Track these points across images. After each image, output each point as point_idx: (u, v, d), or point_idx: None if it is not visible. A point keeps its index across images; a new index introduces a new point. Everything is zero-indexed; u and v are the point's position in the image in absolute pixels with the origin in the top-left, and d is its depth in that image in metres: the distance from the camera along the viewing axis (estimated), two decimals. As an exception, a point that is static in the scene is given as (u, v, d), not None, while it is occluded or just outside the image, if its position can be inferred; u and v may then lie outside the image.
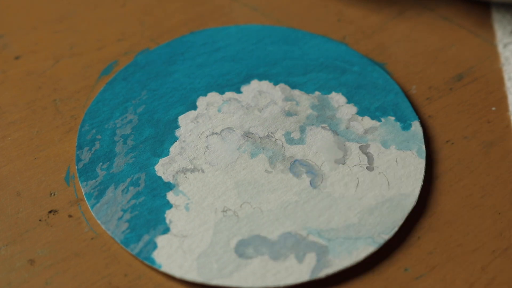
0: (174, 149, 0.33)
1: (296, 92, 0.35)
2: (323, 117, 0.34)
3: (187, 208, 0.31)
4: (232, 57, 0.37)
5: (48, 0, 0.41)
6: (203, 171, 0.32)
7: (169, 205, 0.31)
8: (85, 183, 0.32)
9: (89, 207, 0.31)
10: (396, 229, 0.30)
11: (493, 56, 0.38)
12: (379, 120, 0.34)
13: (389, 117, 0.34)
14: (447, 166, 0.33)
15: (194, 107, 0.35)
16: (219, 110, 0.35)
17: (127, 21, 0.40)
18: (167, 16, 0.40)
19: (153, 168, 0.32)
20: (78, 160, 0.32)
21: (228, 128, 0.34)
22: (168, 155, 0.33)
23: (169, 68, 0.37)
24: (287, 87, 0.36)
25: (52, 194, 0.32)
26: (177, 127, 0.34)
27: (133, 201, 0.31)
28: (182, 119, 0.34)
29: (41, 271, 0.29)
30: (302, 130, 0.34)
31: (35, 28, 0.39)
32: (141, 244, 0.30)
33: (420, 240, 0.30)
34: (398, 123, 0.34)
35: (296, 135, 0.33)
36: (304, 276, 0.29)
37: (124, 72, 0.36)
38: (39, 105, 0.35)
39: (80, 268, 0.29)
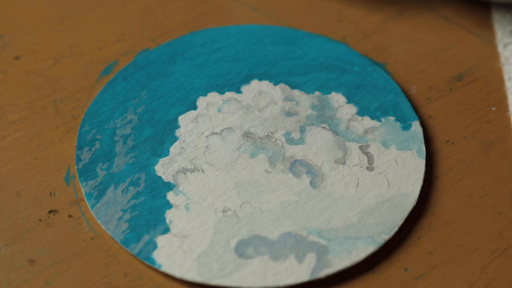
0: (174, 149, 0.33)
1: (296, 92, 0.35)
2: (323, 117, 0.34)
3: (187, 208, 0.31)
4: (232, 57, 0.37)
5: (48, 0, 0.41)
6: (203, 171, 0.32)
7: (169, 205, 0.31)
8: (85, 183, 0.32)
9: (89, 207, 0.31)
10: (396, 229, 0.30)
11: (493, 56, 0.38)
12: (379, 120, 0.34)
13: (389, 117, 0.34)
14: (447, 166, 0.33)
15: (194, 107, 0.35)
16: (219, 110, 0.35)
17: (127, 21, 0.40)
18: (167, 16, 0.40)
19: (153, 168, 0.32)
20: (78, 160, 0.32)
21: (228, 128, 0.34)
22: (168, 155, 0.33)
23: (169, 68, 0.37)
24: (287, 87, 0.36)
25: (52, 194, 0.32)
26: (177, 127, 0.34)
27: (133, 201, 0.31)
28: (182, 119, 0.34)
29: (41, 271, 0.29)
30: (302, 130, 0.34)
31: (35, 28, 0.39)
32: (141, 244, 0.30)
33: (420, 240, 0.30)
34: (398, 123, 0.34)
35: (296, 135, 0.33)
36: (304, 276, 0.29)
37: (124, 72, 0.36)
38: (39, 105, 0.35)
39: (80, 268, 0.29)
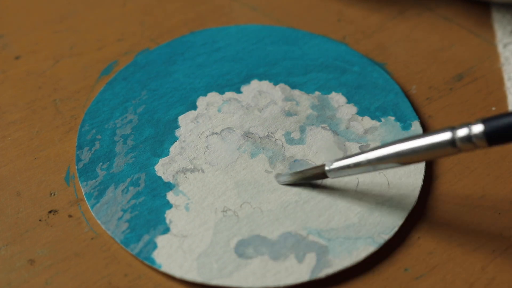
0: (174, 149, 0.33)
1: (296, 92, 0.35)
2: (323, 117, 0.34)
3: (187, 208, 0.31)
4: (232, 57, 0.37)
5: (48, 0, 0.41)
6: (203, 171, 0.32)
7: (169, 205, 0.31)
8: (85, 183, 0.32)
9: (89, 207, 0.31)
10: (396, 229, 0.30)
11: (493, 56, 0.38)
12: (379, 120, 0.34)
13: (389, 117, 0.34)
14: (447, 166, 0.33)
15: (194, 107, 0.35)
16: (219, 110, 0.35)
17: (127, 21, 0.40)
18: (167, 16, 0.40)
19: (153, 168, 0.32)
20: (78, 160, 0.32)
21: (228, 128, 0.34)
22: (168, 155, 0.33)
23: (169, 68, 0.37)
24: (287, 87, 0.36)
25: (52, 194, 0.32)
26: (177, 127, 0.34)
27: (133, 201, 0.31)
28: (182, 119, 0.34)
29: (41, 271, 0.29)
30: (302, 130, 0.34)
31: (35, 28, 0.39)
32: (141, 244, 0.30)
33: (420, 240, 0.30)
34: (398, 123, 0.34)
35: (296, 135, 0.33)
36: (304, 276, 0.29)
37: (124, 72, 0.36)
38: (39, 105, 0.35)
39: (80, 268, 0.29)
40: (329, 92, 0.35)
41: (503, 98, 0.36)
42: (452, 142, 0.26)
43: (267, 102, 0.35)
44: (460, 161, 0.33)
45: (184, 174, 0.32)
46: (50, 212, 0.31)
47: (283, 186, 0.31)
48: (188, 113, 0.34)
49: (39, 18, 0.40)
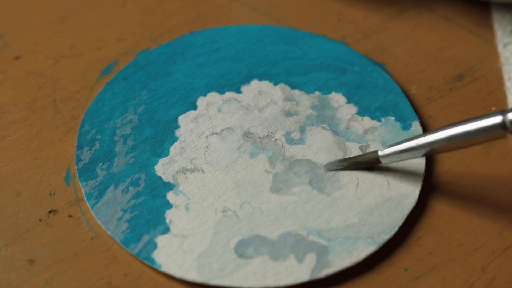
0: (174, 149, 0.33)
1: (296, 92, 0.35)
2: (323, 117, 0.34)
3: (187, 208, 0.31)
4: (232, 57, 0.37)
5: (48, 0, 0.41)
6: (203, 171, 0.32)
7: (169, 205, 0.31)
8: (85, 183, 0.32)
9: (89, 207, 0.31)
10: (396, 229, 0.30)
11: (493, 56, 0.38)
12: (379, 120, 0.34)
13: (389, 117, 0.34)
14: (447, 166, 0.33)
15: (194, 107, 0.35)
16: (219, 110, 0.35)
17: (127, 21, 0.40)
18: (167, 16, 0.40)
19: (153, 168, 0.32)
20: (78, 160, 0.32)
21: (228, 128, 0.34)
22: (168, 155, 0.33)
23: (169, 68, 0.37)
24: (287, 87, 0.36)
25: (52, 194, 0.32)
26: (177, 127, 0.34)
27: (133, 201, 0.31)
28: (182, 119, 0.34)
29: (41, 271, 0.29)
30: (302, 130, 0.34)
31: (35, 28, 0.39)
32: (141, 244, 0.30)
33: (420, 240, 0.30)
34: (398, 123, 0.34)
35: (296, 135, 0.33)
36: (304, 276, 0.29)
37: (124, 72, 0.36)
38: (39, 105, 0.35)
39: (80, 268, 0.29)
40: (329, 92, 0.35)
41: (503, 98, 0.36)
42: (503, 125, 0.27)
43: (267, 102, 0.35)
44: (460, 161, 0.33)
45: (184, 174, 0.32)
46: (50, 212, 0.31)
47: (283, 186, 0.31)
48: (188, 113, 0.34)
49: (39, 18, 0.40)
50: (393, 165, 0.32)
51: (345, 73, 0.36)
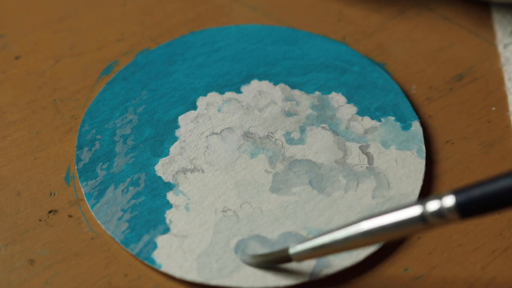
0: (174, 149, 0.33)
1: (296, 92, 0.35)
2: (323, 117, 0.34)
3: (187, 208, 0.31)
4: (232, 57, 0.37)
5: (48, 0, 0.41)
6: (203, 171, 0.32)
7: (169, 205, 0.31)
8: (85, 183, 0.32)
9: (89, 207, 0.31)
10: (396, 229, 0.30)
11: (493, 56, 0.38)
12: (379, 120, 0.34)
13: (389, 117, 0.34)
14: (447, 166, 0.33)
15: (194, 107, 0.35)
16: (219, 110, 0.35)
17: (127, 21, 0.40)
18: (167, 16, 0.40)
19: (153, 168, 0.32)
20: (78, 160, 0.32)
21: (228, 128, 0.34)
22: (168, 155, 0.33)
23: (169, 68, 0.37)
24: (287, 87, 0.36)
25: (52, 194, 0.32)
26: (177, 127, 0.34)
27: (133, 201, 0.31)
28: (182, 119, 0.34)
29: (41, 271, 0.29)
30: (302, 130, 0.34)
31: (35, 28, 0.39)
32: (141, 244, 0.30)
33: (420, 240, 0.30)
34: (398, 123, 0.34)
35: (296, 135, 0.33)
36: (304, 276, 0.29)
37: (124, 72, 0.36)
38: (39, 105, 0.35)
39: (80, 268, 0.29)
40: (329, 92, 0.35)
41: (503, 98, 0.36)
42: (422, 218, 0.23)
43: (267, 102, 0.35)
44: (460, 161, 0.33)
45: (184, 174, 0.32)
46: (50, 212, 0.31)
47: (283, 186, 0.31)
48: (188, 113, 0.34)
49: (39, 18, 0.40)
50: (393, 165, 0.32)
51: (345, 73, 0.36)
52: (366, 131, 0.34)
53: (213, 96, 0.35)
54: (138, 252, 0.29)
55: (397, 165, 0.32)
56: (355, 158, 0.33)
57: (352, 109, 0.35)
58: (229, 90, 0.35)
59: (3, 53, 0.38)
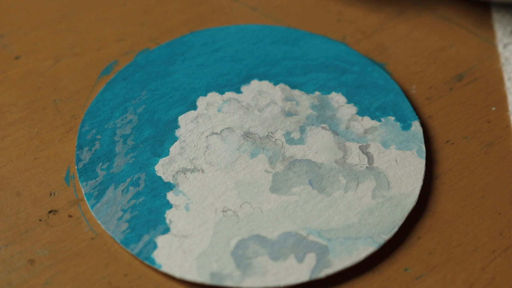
0: (174, 149, 0.33)
1: (296, 92, 0.35)
2: (323, 117, 0.34)
3: (187, 208, 0.31)
4: (232, 57, 0.37)
5: (48, 0, 0.41)
6: (203, 171, 0.32)
7: (169, 205, 0.31)
8: (85, 183, 0.32)
9: (89, 207, 0.31)
10: (396, 229, 0.30)
11: (493, 56, 0.38)
12: (379, 120, 0.34)
13: (389, 117, 0.34)
14: (447, 166, 0.33)
15: (194, 107, 0.35)
16: (219, 110, 0.35)
17: (127, 21, 0.40)
18: (167, 16, 0.40)
19: (153, 168, 0.32)
20: (78, 160, 0.32)
21: (228, 128, 0.34)
22: (168, 155, 0.33)
23: (169, 68, 0.37)
24: (287, 87, 0.36)
25: (52, 194, 0.32)
26: (177, 127, 0.34)
27: (133, 201, 0.31)
28: (182, 119, 0.34)
29: (41, 271, 0.29)
30: (302, 130, 0.34)
31: (35, 28, 0.39)
32: (141, 244, 0.30)
33: (420, 240, 0.30)
34: (398, 123, 0.34)
35: (296, 135, 0.33)
36: (304, 276, 0.29)
37: (124, 72, 0.36)
38: (39, 105, 0.35)
39: (80, 268, 0.29)
40: (329, 92, 0.35)
41: (503, 98, 0.36)
42: None
43: (267, 102, 0.35)
44: (460, 161, 0.33)
45: (184, 174, 0.32)
46: (50, 212, 0.31)
47: (283, 186, 0.31)
48: (188, 113, 0.34)
49: (39, 18, 0.40)
50: (393, 164, 0.32)
51: (345, 73, 0.36)
52: (366, 131, 0.34)
53: (213, 96, 0.35)
54: (138, 252, 0.29)
55: (397, 165, 0.32)
56: (355, 158, 0.33)
57: (352, 109, 0.35)
58: (229, 90, 0.35)
59: (3, 53, 0.38)
